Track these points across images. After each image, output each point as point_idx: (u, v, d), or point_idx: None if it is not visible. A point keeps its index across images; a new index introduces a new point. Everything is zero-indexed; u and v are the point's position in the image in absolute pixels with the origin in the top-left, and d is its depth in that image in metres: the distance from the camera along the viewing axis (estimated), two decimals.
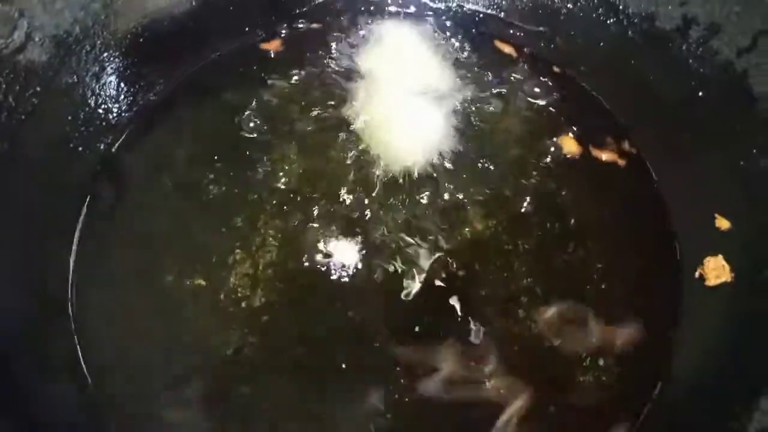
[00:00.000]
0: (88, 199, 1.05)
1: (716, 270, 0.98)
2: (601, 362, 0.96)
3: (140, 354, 0.94)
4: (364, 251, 1.00)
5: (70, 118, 1.05)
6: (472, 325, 0.96)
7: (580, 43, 1.17)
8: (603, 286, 1.00)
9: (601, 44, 1.15)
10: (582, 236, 1.04)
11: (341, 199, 1.04)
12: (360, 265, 0.99)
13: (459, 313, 0.97)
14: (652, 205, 1.07)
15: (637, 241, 1.05)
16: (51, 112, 1.01)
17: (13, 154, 0.95)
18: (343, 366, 0.92)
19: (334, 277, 0.98)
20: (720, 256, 0.98)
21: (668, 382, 0.95)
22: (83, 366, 0.94)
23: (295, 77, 1.15)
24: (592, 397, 0.94)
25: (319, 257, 1.00)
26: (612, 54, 1.14)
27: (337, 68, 1.16)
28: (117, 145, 1.09)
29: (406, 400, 0.91)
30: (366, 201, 1.04)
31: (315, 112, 1.11)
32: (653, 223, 1.06)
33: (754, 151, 0.97)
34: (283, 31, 1.22)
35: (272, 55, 1.18)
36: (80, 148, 1.05)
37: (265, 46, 1.18)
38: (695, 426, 0.89)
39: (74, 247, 1.01)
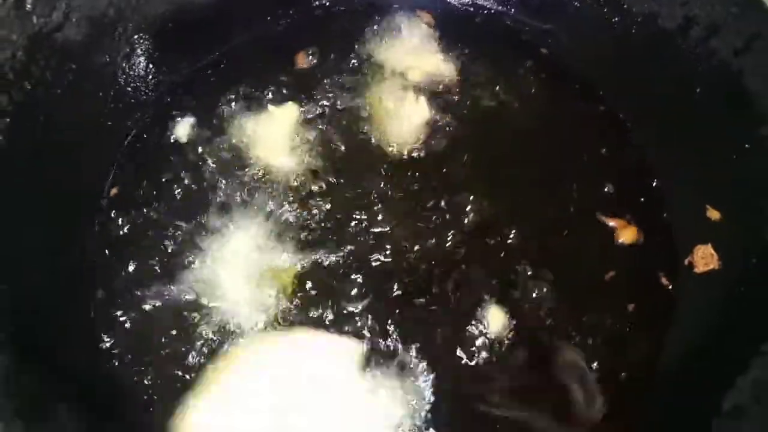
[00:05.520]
0: (113, 173, 1.13)
1: (705, 258, 1.02)
2: (590, 341, 1.02)
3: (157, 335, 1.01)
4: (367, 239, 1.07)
5: (101, 95, 1.12)
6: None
7: (585, 40, 1.21)
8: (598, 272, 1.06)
9: (606, 42, 1.19)
10: (577, 222, 1.10)
11: (347, 185, 1.11)
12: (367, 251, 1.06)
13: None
14: (647, 194, 1.12)
15: (630, 229, 1.09)
16: (84, 89, 1.08)
17: (47, 128, 1.02)
18: None
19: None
20: (709, 245, 1.03)
21: (658, 362, 1.01)
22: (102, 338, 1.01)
23: (312, 65, 1.22)
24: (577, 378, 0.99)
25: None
26: (615, 51, 1.19)
27: (350, 57, 1.22)
28: (144, 122, 1.17)
29: None
30: (371, 188, 1.11)
31: (326, 101, 1.18)
32: (648, 212, 1.11)
33: (747, 146, 1.01)
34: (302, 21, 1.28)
35: (291, 45, 1.24)
36: (109, 123, 1.13)
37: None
38: (679, 403, 0.95)
39: (97, 222, 1.09)
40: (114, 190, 1.12)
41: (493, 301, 1.02)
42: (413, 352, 0.98)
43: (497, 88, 1.20)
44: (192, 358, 0.99)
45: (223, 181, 1.11)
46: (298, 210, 1.09)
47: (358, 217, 1.09)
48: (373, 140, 1.15)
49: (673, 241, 1.08)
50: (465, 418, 0.96)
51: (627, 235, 1.09)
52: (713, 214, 1.04)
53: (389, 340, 0.99)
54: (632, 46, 1.16)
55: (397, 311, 1.01)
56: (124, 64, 1.14)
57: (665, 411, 0.95)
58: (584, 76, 1.22)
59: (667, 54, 1.11)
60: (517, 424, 0.95)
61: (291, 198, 1.10)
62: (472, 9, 1.29)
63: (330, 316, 1.01)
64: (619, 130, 1.18)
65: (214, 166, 1.12)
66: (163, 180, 1.11)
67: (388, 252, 1.06)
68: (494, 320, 1.01)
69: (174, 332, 1.00)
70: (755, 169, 1.00)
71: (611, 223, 1.09)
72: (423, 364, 0.97)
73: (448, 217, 1.09)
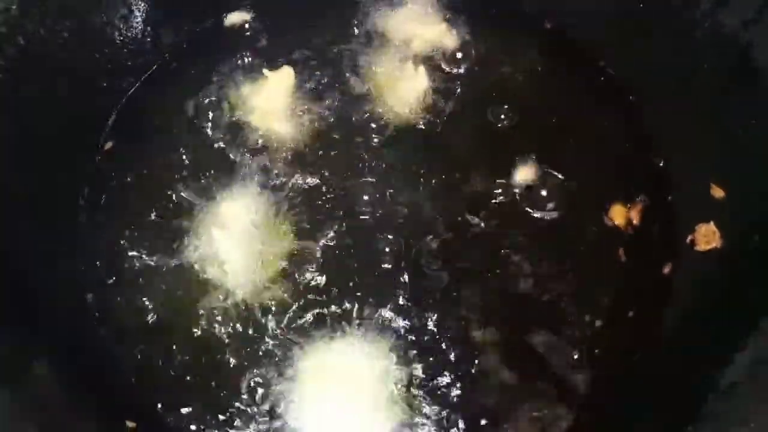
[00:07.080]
0: (107, 133, 1.12)
1: (707, 236, 1.00)
2: (586, 318, 1.00)
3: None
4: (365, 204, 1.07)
5: (97, 55, 1.11)
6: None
7: (590, 14, 1.17)
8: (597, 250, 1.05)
9: (611, 15, 1.15)
10: (578, 199, 1.07)
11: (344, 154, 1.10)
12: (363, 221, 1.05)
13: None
14: (651, 172, 1.10)
15: (634, 206, 1.07)
16: (80, 48, 1.07)
17: (40, 84, 1.01)
18: None
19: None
20: (711, 223, 1.00)
21: (655, 339, 0.99)
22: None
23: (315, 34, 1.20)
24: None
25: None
26: (620, 25, 1.14)
27: (350, 24, 1.20)
28: (138, 85, 1.16)
29: None
30: (368, 158, 1.10)
31: (324, 68, 1.16)
32: (651, 189, 1.08)
33: (754, 121, 0.98)
34: None
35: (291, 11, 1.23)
36: (105, 84, 1.12)
37: None
38: (675, 379, 0.92)
39: (89, 182, 1.10)
40: (108, 144, 1.12)
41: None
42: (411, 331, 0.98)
43: (500, 60, 1.17)
44: (178, 324, 0.99)
45: (219, 147, 1.10)
46: (294, 178, 1.07)
47: (353, 187, 1.07)
48: (371, 109, 1.13)
49: (676, 218, 1.05)
50: None
51: (628, 212, 1.06)
52: (717, 192, 1.01)
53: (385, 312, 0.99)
54: (638, 19, 1.12)
55: (392, 284, 1.01)
56: (121, 25, 1.13)
57: (662, 387, 0.93)
58: (588, 50, 1.18)
59: (675, 27, 1.08)
60: None
61: (287, 166, 1.08)
62: None
63: (326, 287, 1.01)
64: (623, 107, 1.15)
65: (210, 131, 1.11)
66: (158, 144, 1.11)
67: (384, 223, 1.05)
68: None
69: (161, 296, 1.00)
70: (761, 145, 0.97)
71: (612, 198, 1.07)
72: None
73: (444, 189, 1.07)
